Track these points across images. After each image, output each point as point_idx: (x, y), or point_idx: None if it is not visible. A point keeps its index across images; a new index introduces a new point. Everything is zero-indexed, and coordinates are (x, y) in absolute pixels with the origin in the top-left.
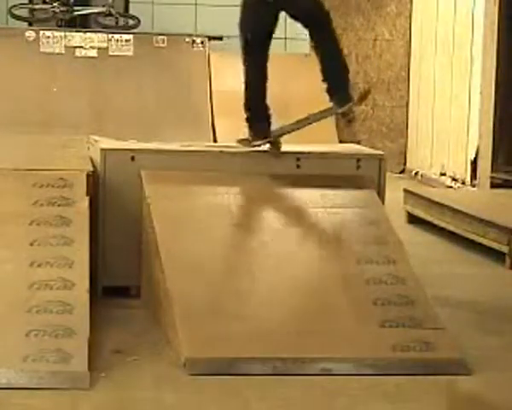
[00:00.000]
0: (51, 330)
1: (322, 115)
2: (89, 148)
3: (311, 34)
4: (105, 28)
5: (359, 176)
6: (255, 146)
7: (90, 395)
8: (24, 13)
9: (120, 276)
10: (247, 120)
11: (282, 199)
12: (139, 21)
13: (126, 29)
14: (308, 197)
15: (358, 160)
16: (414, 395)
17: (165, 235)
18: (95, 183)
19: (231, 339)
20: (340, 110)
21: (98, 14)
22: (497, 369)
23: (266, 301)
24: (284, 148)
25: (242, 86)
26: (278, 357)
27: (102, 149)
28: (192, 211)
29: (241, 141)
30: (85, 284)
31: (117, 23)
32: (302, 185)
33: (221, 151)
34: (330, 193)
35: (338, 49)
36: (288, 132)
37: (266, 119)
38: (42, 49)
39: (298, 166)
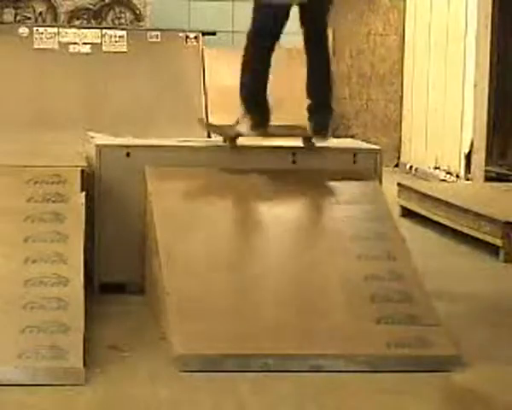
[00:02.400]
0: (46, 327)
1: (300, 133)
2: (84, 144)
3: (306, 38)
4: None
5: (356, 170)
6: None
7: (85, 391)
8: None
9: (118, 272)
10: (247, 109)
11: (283, 196)
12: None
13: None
14: (310, 193)
15: (355, 154)
16: (408, 392)
17: (165, 232)
18: (90, 179)
19: (225, 336)
20: (316, 141)
21: None
22: (491, 363)
23: (263, 298)
24: (280, 143)
25: (240, 77)
26: (271, 354)
27: (97, 145)
28: (193, 208)
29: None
30: (80, 279)
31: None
32: (299, 180)
33: (219, 146)
34: (333, 187)
35: (329, 64)
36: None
37: (266, 112)
38: (35, 46)
39: (294, 162)
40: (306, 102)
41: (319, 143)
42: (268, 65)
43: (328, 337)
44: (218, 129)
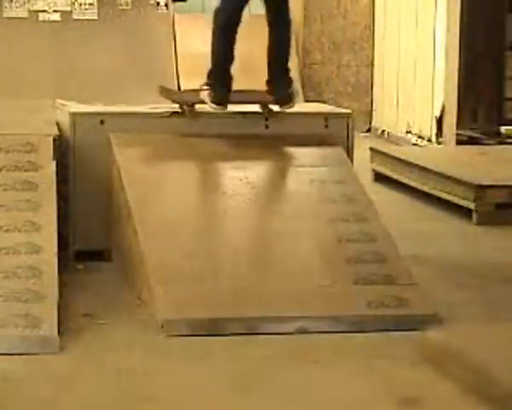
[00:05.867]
0: (20, 296)
1: (262, 99)
2: (55, 112)
3: (269, 12)
4: None
5: (328, 134)
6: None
7: (60, 360)
8: None
9: (93, 240)
10: (209, 83)
11: (252, 160)
12: None
13: None
14: (278, 157)
15: (326, 118)
16: (388, 351)
17: (136, 198)
18: (61, 147)
19: (206, 300)
20: (280, 109)
21: None
22: (465, 321)
23: (240, 261)
24: (252, 108)
25: (209, 51)
26: (254, 316)
27: (71, 113)
28: (163, 174)
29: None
30: (53, 248)
31: None
32: (271, 145)
33: (191, 113)
34: (299, 152)
35: (289, 40)
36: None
37: (228, 85)
38: (5, 15)
39: (266, 127)
40: (267, 73)
41: (283, 109)
42: (233, 41)
43: (310, 299)
44: (174, 95)
